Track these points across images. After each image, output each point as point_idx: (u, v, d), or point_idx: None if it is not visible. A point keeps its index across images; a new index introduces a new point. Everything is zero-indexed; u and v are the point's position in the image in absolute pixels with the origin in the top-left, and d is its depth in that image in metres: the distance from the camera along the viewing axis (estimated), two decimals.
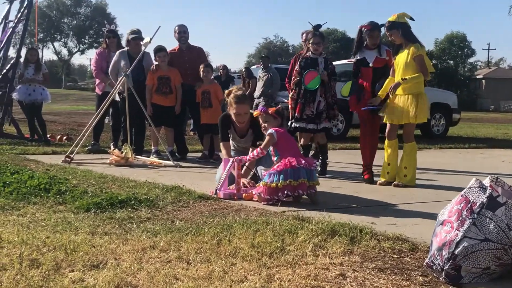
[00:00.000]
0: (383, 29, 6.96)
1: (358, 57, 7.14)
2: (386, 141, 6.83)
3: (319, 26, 7.43)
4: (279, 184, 5.16)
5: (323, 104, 7.28)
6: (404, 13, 6.63)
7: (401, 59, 6.59)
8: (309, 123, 7.27)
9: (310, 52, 7.42)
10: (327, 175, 7.34)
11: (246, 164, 5.79)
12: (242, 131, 6.34)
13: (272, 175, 5.25)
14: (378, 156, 7.24)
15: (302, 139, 7.53)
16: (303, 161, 5.32)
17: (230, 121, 6.32)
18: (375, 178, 7.01)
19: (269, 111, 5.75)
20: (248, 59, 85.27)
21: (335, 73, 7.50)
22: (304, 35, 9.00)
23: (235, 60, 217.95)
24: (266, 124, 5.72)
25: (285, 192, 5.18)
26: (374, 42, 7.05)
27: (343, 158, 8.12)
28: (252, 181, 5.92)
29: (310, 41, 7.37)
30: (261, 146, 5.57)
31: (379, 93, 6.79)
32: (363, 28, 7.05)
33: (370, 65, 7.05)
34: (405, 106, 6.54)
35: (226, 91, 6.44)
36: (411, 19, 6.64)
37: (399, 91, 6.57)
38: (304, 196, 5.35)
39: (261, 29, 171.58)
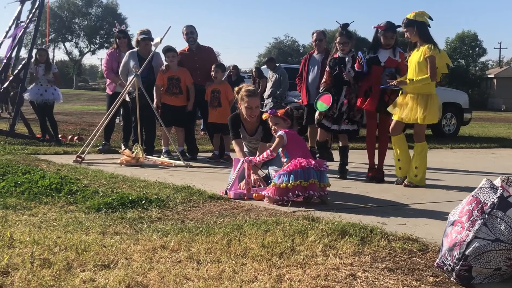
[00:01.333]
0: (400, 29, 6.93)
1: (371, 55, 7.12)
2: (392, 138, 6.84)
3: (346, 25, 7.38)
4: (289, 185, 5.15)
5: (346, 106, 7.21)
6: (424, 12, 6.60)
7: (414, 57, 6.57)
8: (333, 124, 7.22)
9: (339, 52, 7.37)
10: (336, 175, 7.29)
11: (254, 163, 5.79)
12: (252, 129, 6.36)
13: (282, 175, 5.25)
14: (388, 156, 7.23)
15: (319, 135, 7.52)
16: (313, 162, 5.31)
17: (240, 120, 6.36)
18: (386, 179, 7.02)
19: (278, 114, 5.76)
20: (258, 58, 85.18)
21: (364, 73, 7.39)
22: (314, 35, 8.99)
23: (245, 60, 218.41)
24: (275, 127, 5.74)
25: (295, 192, 5.17)
26: (388, 43, 7.03)
27: (353, 158, 8.09)
28: (263, 180, 5.93)
29: (337, 41, 7.34)
30: (271, 148, 5.58)
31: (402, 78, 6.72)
32: (378, 28, 7.05)
33: (382, 64, 7.03)
34: (414, 106, 6.52)
35: (236, 88, 6.48)
36: (430, 18, 6.60)
37: (409, 90, 6.56)
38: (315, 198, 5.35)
39: (271, 28, 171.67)
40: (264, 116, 5.91)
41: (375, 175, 7.12)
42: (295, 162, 5.27)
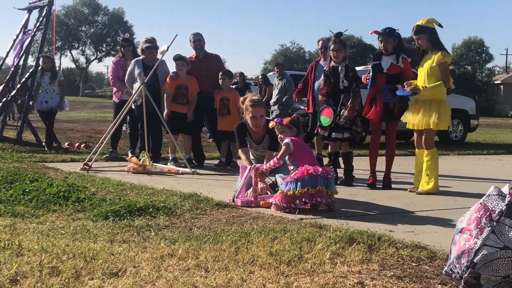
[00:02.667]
0: (408, 34, 6.92)
1: (375, 62, 7.12)
2: (416, 151, 6.89)
3: (340, 34, 7.40)
4: (296, 192, 5.15)
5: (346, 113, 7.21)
6: (433, 19, 6.60)
7: (426, 64, 6.57)
8: (332, 132, 7.19)
9: (333, 61, 7.38)
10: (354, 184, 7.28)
11: (261, 171, 5.78)
12: (258, 137, 6.37)
13: (289, 183, 5.26)
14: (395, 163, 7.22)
15: (330, 147, 7.53)
16: (321, 169, 5.31)
17: (246, 129, 6.38)
18: (399, 186, 7.05)
19: (284, 122, 5.76)
20: (264, 65, 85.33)
21: (358, 78, 7.41)
22: (320, 42, 9.00)
23: (251, 67, 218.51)
24: (282, 135, 5.75)
25: (303, 200, 5.17)
26: (385, 47, 6.99)
27: (360, 165, 8.09)
28: (270, 188, 5.93)
29: (330, 49, 7.35)
30: (278, 156, 5.58)
31: (413, 81, 6.71)
32: (374, 33, 7.07)
33: (384, 71, 7.02)
34: (426, 112, 6.51)
35: (241, 98, 6.51)
36: (440, 25, 6.61)
37: (420, 96, 6.55)
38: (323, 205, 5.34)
39: (277, 35, 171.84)
40: (271, 125, 5.92)
41: (384, 182, 7.09)
42: (302, 170, 5.27)
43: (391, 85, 6.85)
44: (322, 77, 7.52)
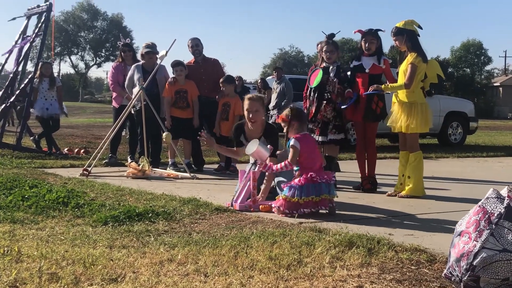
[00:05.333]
0: (387, 36, 6.93)
1: (355, 64, 7.13)
2: (400, 153, 6.82)
3: (332, 35, 7.45)
4: (300, 200, 5.16)
5: (331, 114, 7.21)
6: (413, 21, 6.60)
7: (403, 66, 6.60)
8: (320, 135, 7.18)
9: (325, 62, 7.42)
10: (338, 186, 7.27)
11: (270, 171, 5.68)
12: (254, 138, 6.31)
13: (293, 189, 5.24)
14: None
15: (327, 151, 7.50)
16: (325, 176, 5.32)
17: (242, 129, 6.39)
18: (384, 189, 7.03)
19: (279, 119, 5.75)
20: (263, 69, 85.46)
21: (347, 80, 7.43)
22: (319, 45, 9.02)
23: (250, 71, 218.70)
24: (285, 128, 5.69)
25: (306, 210, 5.17)
26: (369, 47, 7.01)
27: (351, 169, 8.06)
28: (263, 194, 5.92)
29: (323, 50, 7.38)
30: (289, 160, 5.48)
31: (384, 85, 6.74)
32: (357, 33, 7.11)
33: (367, 71, 7.03)
34: (399, 115, 6.55)
35: (245, 97, 6.49)
36: (419, 27, 6.60)
37: (394, 99, 6.62)
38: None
39: (276, 39, 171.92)
40: (278, 120, 5.89)
41: (366, 185, 7.09)
42: (306, 177, 5.27)
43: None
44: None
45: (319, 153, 5.69)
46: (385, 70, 7.04)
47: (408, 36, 6.53)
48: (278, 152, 6.01)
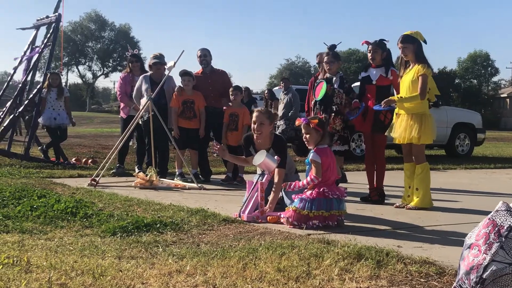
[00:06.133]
0: (390, 45, 6.95)
1: (363, 75, 7.16)
2: (404, 164, 6.80)
3: (334, 46, 7.49)
4: (310, 214, 5.16)
5: (340, 125, 7.24)
6: (419, 33, 6.59)
7: (407, 77, 6.53)
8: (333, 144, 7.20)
9: (327, 74, 7.45)
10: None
11: (297, 189, 5.59)
12: (261, 149, 6.30)
13: (304, 201, 5.24)
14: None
15: None
16: (337, 192, 5.32)
17: (251, 141, 6.39)
18: (393, 200, 7.02)
19: (311, 124, 5.62)
20: (270, 80, 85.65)
21: (352, 91, 7.46)
22: (318, 57, 9.03)
23: (257, 82, 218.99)
24: (308, 136, 5.65)
25: (315, 222, 5.17)
26: (373, 57, 7.04)
27: (356, 179, 8.06)
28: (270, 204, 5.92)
29: (324, 61, 7.41)
30: (314, 174, 5.42)
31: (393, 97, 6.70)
32: (365, 44, 7.14)
33: (373, 82, 7.04)
34: (408, 126, 6.48)
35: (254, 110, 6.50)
36: (425, 42, 6.57)
37: (402, 110, 6.54)
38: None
39: (282, 50, 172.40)
40: (297, 122, 5.85)
41: (374, 196, 7.08)
42: (318, 191, 5.27)
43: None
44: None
45: (335, 167, 5.68)
46: (393, 81, 7.02)
47: (416, 45, 6.51)
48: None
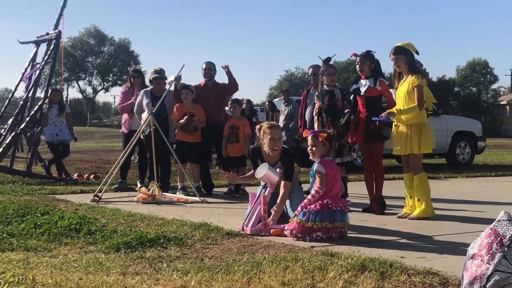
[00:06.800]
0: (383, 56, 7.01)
1: (354, 87, 7.24)
2: (404, 175, 6.83)
3: (329, 59, 7.55)
4: (314, 226, 5.18)
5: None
6: (411, 44, 6.65)
7: (402, 89, 6.59)
8: (336, 157, 7.20)
9: (325, 86, 7.48)
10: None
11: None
12: (271, 162, 6.28)
13: (307, 213, 5.26)
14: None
15: None
16: (340, 204, 5.35)
17: (259, 153, 6.40)
18: (395, 210, 7.03)
19: (320, 138, 5.64)
20: (270, 91, 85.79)
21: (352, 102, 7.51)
22: (310, 69, 9.05)
23: (257, 93, 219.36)
24: (314, 148, 5.66)
25: (318, 234, 5.19)
26: (361, 69, 7.10)
27: (358, 190, 8.05)
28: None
29: (325, 73, 7.44)
30: (319, 185, 5.45)
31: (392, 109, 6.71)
32: (353, 56, 7.19)
33: (362, 93, 7.09)
34: (408, 137, 6.52)
35: (257, 126, 6.48)
36: (417, 52, 6.63)
37: (401, 121, 6.60)
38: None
39: (282, 61, 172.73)
40: (305, 134, 5.87)
41: (375, 207, 7.10)
42: (322, 203, 5.30)
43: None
44: (314, 103, 7.63)
45: (339, 180, 5.70)
46: (383, 91, 7.09)
47: (409, 56, 6.57)
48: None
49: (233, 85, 9.39)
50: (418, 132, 6.49)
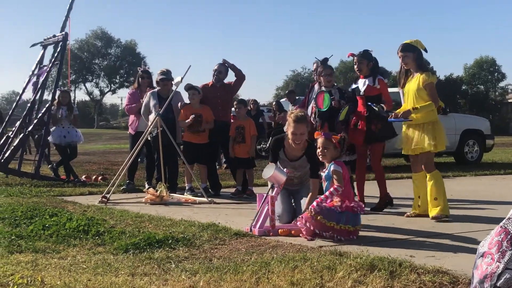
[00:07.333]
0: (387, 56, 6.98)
1: (353, 87, 7.18)
2: (412, 174, 6.75)
3: (326, 59, 7.54)
4: (336, 226, 5.16)
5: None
6: (419, 41, 6.54)
7: (411, 86, 6.47)
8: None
9: (323, 87, 7.48)
10: None
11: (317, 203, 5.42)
12: (294, 155, 6.22)
13: (331, 212, 5.22)
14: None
15: None
16: (363, 207, 5.44)
17: (282, 144, 6.27)
18: (403, 209, 7.03)
19: (333, 139, 5.64)
20: (276, 91, 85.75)
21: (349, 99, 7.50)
22: (315, 65, 9.04)
23: (263, 93, 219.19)
24: (325, 150, 5.64)
25: (338, 235, 5.16)
26: (359, 68, 7.06)
27: (376, 190, 8.01)
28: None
29: (322, 74, 7.43)
30: (338, 184, 5.43)
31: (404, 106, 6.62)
32: (350, 56, 7.16)
33: (361, 93, 7.06)
34: (422, 135, 6.39)
35: (289, 112, 6.38)
36: (425, 50, 6.53)
37: (413, 120, 6.43)
38: None
39: (288, 61, 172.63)
40: (316, 135, 5.81)
41: (383, 202, 7.09)
42: (347, 204, 5.29)
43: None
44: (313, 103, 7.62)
45: (349, 185, 5.73)
46: (381, 90, 7.03)
47: (417, 53, 6.48)
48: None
49: (240, 76, 9.38)
50: (431, 130, 6.38)
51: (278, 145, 6.29)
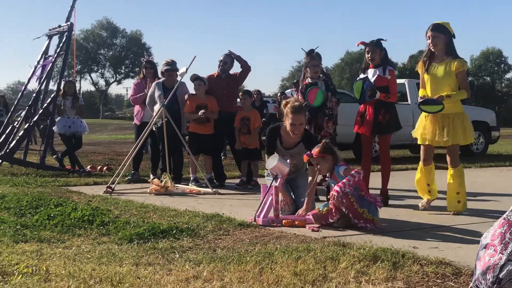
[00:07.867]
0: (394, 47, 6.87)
1: (362, 77, 6.97)
2: (423, 167, 6.51)
3: (312, 51, 7.50)
4: (365, 214, 5.22)
5: (331, 129, 7.32)
6: (449, 25, 6.22)
7: (439, 72, 6.13)
8: None
9: (308, 78, 7.47)
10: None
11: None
12: (290, 142, 6.22)
13: (364, 200, 5.32)
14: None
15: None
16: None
17: (278, 133, 6.27)
18: (408, 201, 7.01)
19: (314, 155, 5.64)
20: (282, 82, 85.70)
21: (337, 92, 7.47)
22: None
23: (269, 84, 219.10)
24: (319, 166, 5.68)
25: (367, 224, 5.22)
26: (372, 58, 6.87)
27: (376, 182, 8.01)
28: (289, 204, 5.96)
29: (309, 65, 7.39)
30: (355, 170, 5.48)
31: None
32: (361, 45, 7.05)
33: (372, 83, 6.97)
34: (451, 128, 6.13)
35: (284, 102, 6.30)
36: (454, 36, 6.22)
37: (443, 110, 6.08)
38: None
39: (294, 52, 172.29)
40: (305, 158, 5.80)
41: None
42: (375, 197, 5.46)
43: (371, 83, 6.74)
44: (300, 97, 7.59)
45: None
46: (390, 80, 6.86)
47: (449, 38, 6.15)
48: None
49: (245, 67, 9.38)
50: (461, 122, 6.14)
51: (275, 135, 6.29)
